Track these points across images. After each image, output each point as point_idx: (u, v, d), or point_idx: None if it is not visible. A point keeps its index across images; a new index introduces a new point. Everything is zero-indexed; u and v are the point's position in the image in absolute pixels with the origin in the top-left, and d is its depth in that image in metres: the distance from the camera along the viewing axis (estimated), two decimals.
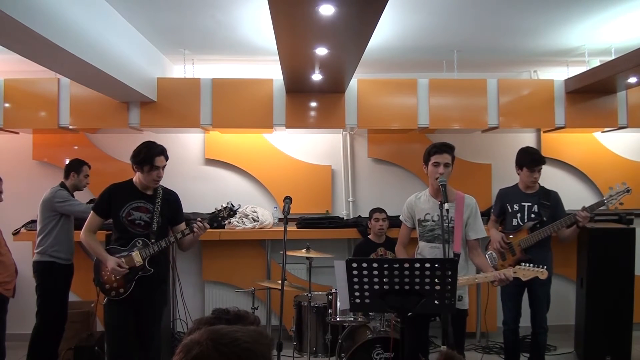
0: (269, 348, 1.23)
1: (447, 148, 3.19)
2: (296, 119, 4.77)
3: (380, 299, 2.35)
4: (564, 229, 3.89)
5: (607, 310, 4.35)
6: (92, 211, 3.36)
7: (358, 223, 4.98)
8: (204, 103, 4.70)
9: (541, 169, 3.95)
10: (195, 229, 3.29)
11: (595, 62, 4.69)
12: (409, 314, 2.40)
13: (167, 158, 3.38)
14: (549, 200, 3.94)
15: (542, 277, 3.02)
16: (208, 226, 3.33)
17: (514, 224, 3.98)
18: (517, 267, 3.06)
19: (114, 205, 3.30)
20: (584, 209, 3.80)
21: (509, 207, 4.03)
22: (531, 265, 3.03)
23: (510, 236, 3.96)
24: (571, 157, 5.43)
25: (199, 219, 3.34)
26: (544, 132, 5.36)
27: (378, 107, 4.79)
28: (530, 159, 3.94)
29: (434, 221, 3.21)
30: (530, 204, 3.95)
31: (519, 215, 3.97)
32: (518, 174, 4.04)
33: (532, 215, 3.92)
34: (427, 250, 3.24)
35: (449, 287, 2.33)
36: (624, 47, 4.25)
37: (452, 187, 3.26)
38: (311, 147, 5.40)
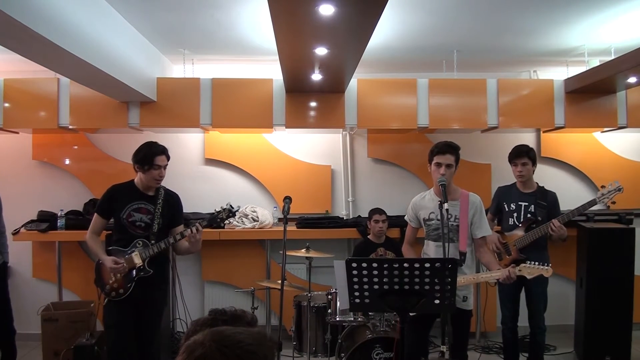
0: (272, 350, 1.22)
1: (449, 148, 3.17)
2: (296, 119, 4.77)
3: (380, 299, 2.35)
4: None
5: (607, 310, 4.35)
6: (95, 213, 3.37)
7: (358, 223, 4.97)
8: (203, 103, 4.69)
9: (526, 163, 3.90)
10: (191, 230, 3.27)
11: (595, 62, 4.69)
12: (412, 314, 2.40)
13: (168, 158, 3.39)
14: (546, 200, 3.91)
15: (547, 274, 3.00)
16: (201, 229, 3.30)
17: (510, 223, 3.97)
18: (522, 265, 3.02)
19: (115, 206, 3.30)
20: (556, 220, 3.74)
21: (505, 206, 4.02)
22: (536, 263, 3.01)
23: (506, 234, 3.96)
24: (571, 157, 5.43)
25: (191, 227, 3.31)
26: (544, 132, 5.36)
27: (378, 107, 4.78)
28: (512, 153, 3.97)
29: (438, 220, 3.19)
30: (527, 203, 3.93)
31: (515, 214, 3.96)
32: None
33: (528, 215, 3.91)
34: (432, 249, 3.23)
35: (449, 286, 2.33)
36: (624, 47, 4.26)
37: (457, 186, 3.26)
38: (311, 147, 5.40)
